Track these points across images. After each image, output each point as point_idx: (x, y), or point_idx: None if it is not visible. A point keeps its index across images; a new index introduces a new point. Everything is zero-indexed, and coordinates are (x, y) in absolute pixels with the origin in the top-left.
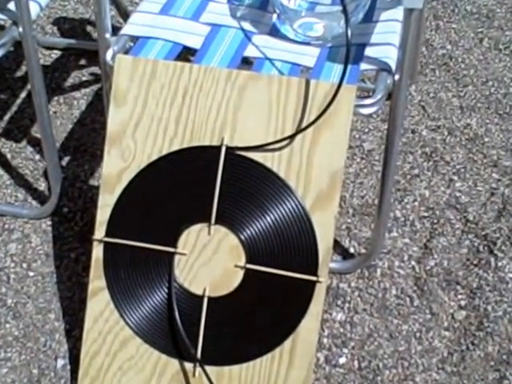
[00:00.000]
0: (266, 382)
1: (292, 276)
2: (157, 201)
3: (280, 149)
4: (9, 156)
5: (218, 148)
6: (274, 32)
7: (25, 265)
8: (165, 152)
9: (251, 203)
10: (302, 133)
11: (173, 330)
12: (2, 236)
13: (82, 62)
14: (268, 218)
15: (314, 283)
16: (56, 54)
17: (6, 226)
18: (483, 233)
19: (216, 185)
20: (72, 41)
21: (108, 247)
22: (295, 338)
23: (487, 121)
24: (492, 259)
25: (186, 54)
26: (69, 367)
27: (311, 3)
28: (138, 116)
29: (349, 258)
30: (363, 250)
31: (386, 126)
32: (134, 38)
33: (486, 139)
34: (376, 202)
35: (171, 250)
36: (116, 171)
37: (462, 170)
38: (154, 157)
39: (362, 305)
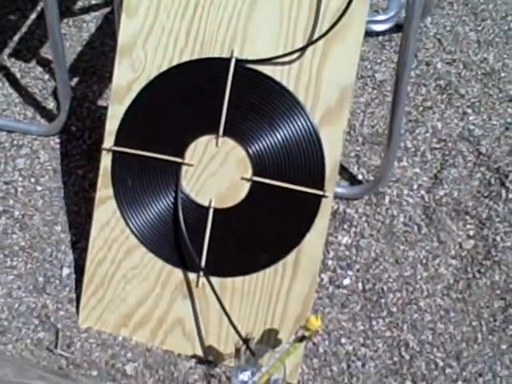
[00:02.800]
0: (269, 294)
1: (298, 190)
2: (166, 111)
3: (290, 62)
4: (18, 75)
5: (228, 60)
6: None
7: (33, 179)
8: (175, 63)
9: (259, 116)
10: (312, 46)
11: (178, 240)
12: (11, 151)
13: None
14: (276, 132)
15: (320, 197)
16: None
17: (15, 142)
18: (495, 166)
19: (225, 97)
20: None
21: (116, 156)
22: (299, 251)
23: (504, 56)
24: (503, 191)
25: None
26: (73, 276)
27: None
28: (149, 27)
29: (357, 185)
30: (371, 178)
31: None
32: None
33: (503, 74)
34: (386, 131)
35: (179, 160)
36: (126, 82)
37: (477, 104)
38: (164, 68)
39: (369, 230)
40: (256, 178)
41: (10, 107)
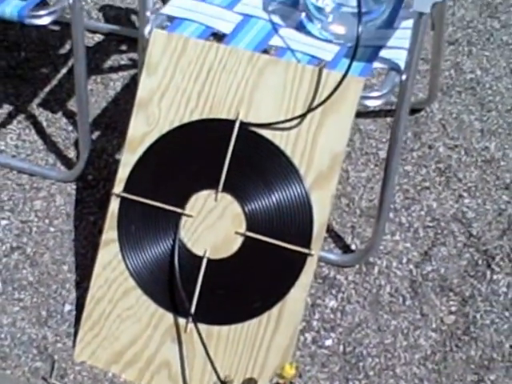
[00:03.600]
0: (252, 344)
1: (287, 247)
2: (172, 164)
3: (289, 128)
4: (44, 124)
5: (233, 122)
6: (300, 28)
7: (47, 220)
8: (185, 121)
9: (257, 176)
10: (310, 115)
11: (171, 285)
12: (30, 193)
13: (123, 47)
14: (271, 192)
15: (306, 255)
16: (99, 37)
17: (35, 185)
18: (484, 248)
19: (227, 156)
20: (115, 27)
21: (124, 202)
22: (283, 305)
23: (506, 146)
24: (488, 272)
25: (215, 39)
26: (74, 312)
27: (338, 4)
28: (165, 86)
29: (349, 253)
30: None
31: (403, 138)
32: (171, 18)
33: (502, 163)
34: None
35: (179, 211)
36: (140, 134)
37: (473, 189)
38: (175, 124)
39: (356, 297)
40: (249, 234)
41: (34, 153)
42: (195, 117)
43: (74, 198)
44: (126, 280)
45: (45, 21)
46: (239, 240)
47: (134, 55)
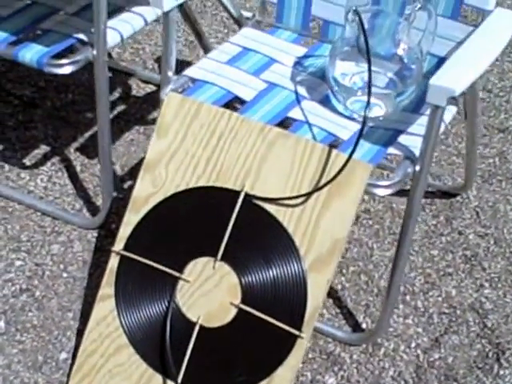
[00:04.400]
0: None
1: (278, 325)
2: (174, 227)
3: (293, 206)
4: (78, 169)
5: (238, 193)
6: (325, 102)
7: (62, 266)
8: (191, 186)
9: (257, 250)
10: (315, 194)
11: (163, 347)
12: (50, 236)
13: None
14: (269, 268)
15: (296, 337)
16: (150, 88)
17: (56, 229)
18: (497, 341)
19: (228, 226)
20: None
21: (123, 260)
22: (269, 382)
23: None
24: (496, 366)
25: (234, 104)
26: (69, 361)
27: (365, 83)
28: (175, 149)
29: (357, 332)
30: None
31: (434, 222)
32: (194, 80)
33: None
34: (403, 289)
35: (177, 274)
36: (145, 195)
37: (496, 279)
38: (181, 188)
39: (357, 376)
40: (243, 306)
41: (63, 196)
42: (201, 183)
43: (94, 245)
44: (119, 336)
45: (66, 70)
46: (233, 311)
47: None
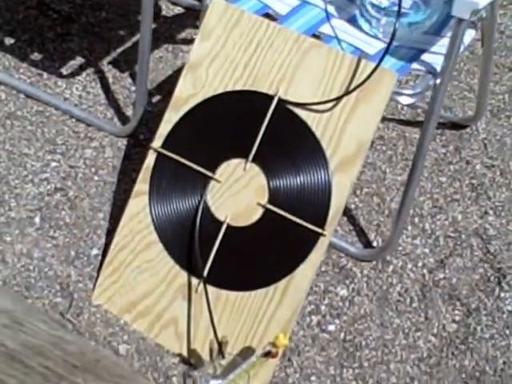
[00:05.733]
0: (255, 314)
1: (302, 224)
2: (210, 129)
3: (322, 111)
4: (110, 81)
5: (272, 97)
6: (353, 21)
7: (93, 169)
8: (228, 89)
9: (286, 152)
10: (343, 101)
11: (190, 245)
12: (83, 141)
13: (198, 23)
14: (296, 169)
15: (319, 235)
16: (179, 10)
17: (89, 135)
18: (498, 266)
19: (261, 128)
20: (195, 2)
21: (159, 158)
22: (290, 280)
23: None
24: (497, 289)
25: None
26: (100, 258)
27: (392, 3)
28: (216, 53)
29: (368, 248)
30: None
31: (443, 151)
32: None
33: None
34: (412, 212)
35: (209, 174)
36: (185, 95)
37: (500, 208)
38: (219, 91)
39: (366, 290)
40: (269, 206)
41: (96, 105)
42: (238, 87)
43: (123, 152)
44: (150, 233)
45: None
46: (260, 211)
47: None
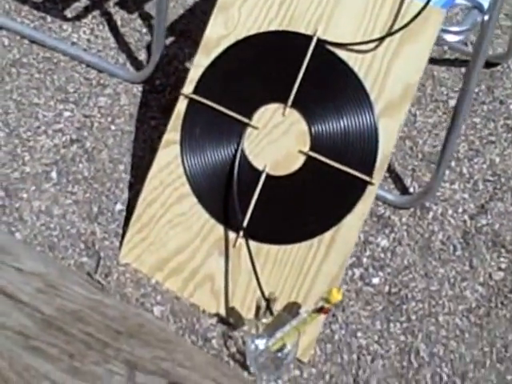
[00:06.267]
0: (300, 268)
1: (348, 172)
2: (245, 72)
3: (365, 51)
4: (119, 23)
5: (310, 38)
6: None
7: (109, 118)
8: (263, 30)
9: (327, 96)
10: (387, 41)
11: (227, 197)
12: (96, 89)
13: None
14: (339, 114)
15: (366, 183)
16: None
17: (102, 82)
18: None
19: (300, 71)
20: None
21: (191, 104)
22: (336, 231)
23: None
24: None
25: None
26: (124, 213)
27: None
28: None
29: (406, 195)
30: None
31: (476, 90)
32: None
33: None
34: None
35: (246, 120)
36: (216, 36)
37: None
38: (253, 32)
39: (407, 239)
40: (312, 153)
41: (106, 50)
42: (273, 27)
43: (139, 100)
44: (182, 185)
45: None
46: (301, 159)
47: None
